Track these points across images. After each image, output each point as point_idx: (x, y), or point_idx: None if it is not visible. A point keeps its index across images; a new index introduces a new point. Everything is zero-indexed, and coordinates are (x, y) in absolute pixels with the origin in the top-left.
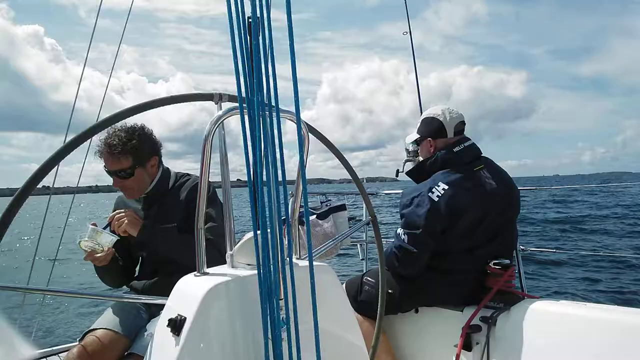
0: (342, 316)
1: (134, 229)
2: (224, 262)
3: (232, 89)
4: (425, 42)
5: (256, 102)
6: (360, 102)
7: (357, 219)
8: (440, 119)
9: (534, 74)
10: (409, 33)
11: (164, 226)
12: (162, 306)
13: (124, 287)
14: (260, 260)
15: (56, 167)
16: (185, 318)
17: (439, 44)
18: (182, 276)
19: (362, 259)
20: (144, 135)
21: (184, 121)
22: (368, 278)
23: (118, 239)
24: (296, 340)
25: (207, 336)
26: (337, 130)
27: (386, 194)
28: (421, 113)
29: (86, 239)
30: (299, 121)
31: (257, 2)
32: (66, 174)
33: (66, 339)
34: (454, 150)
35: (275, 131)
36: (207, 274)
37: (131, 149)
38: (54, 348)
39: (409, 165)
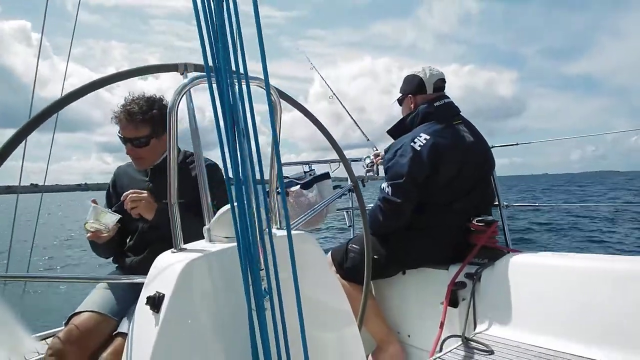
0: (326, 283)
1: (149, 213)
2: None
3: None
4: (418, 40)
5: (223, 69)
6: (352, 100)
7: (340, 186)
8: (421, 76)
9: (524, 73)
10: (334, 97)
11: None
12: None
13: (110, 267)
14: (239, 232)
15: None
16: (163, 295)
17: (431, 42)
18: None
19: (349, 226)
20: (163, 107)
21: (160, 89)
22: (353, 245)
23: (120, 217)
24: (280, 309)
25: (187, 312)
26: (329, 128)
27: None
28: None
29: (91, 220)
30: (267, 86)
31: None
32: (54, 172)
33: (50, 324)
34: (435, 104)
35: (246, 97)
36: (184, 249)
37: (150, 119)
38: (40, 334)
39: (371, 175)
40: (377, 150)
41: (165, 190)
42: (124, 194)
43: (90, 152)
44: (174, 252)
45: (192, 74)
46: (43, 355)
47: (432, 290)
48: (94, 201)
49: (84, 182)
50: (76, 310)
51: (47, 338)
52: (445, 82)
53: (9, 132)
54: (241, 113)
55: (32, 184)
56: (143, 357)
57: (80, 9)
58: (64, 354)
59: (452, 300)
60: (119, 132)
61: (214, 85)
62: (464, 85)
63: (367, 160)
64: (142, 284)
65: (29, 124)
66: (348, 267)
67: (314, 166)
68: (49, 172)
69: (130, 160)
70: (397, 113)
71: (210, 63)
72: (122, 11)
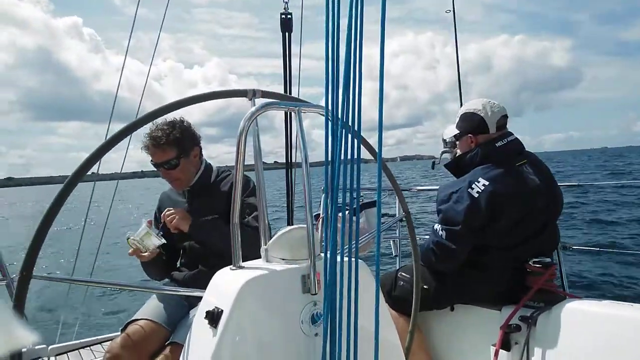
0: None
1: (185, 224)
2: None
3: (265, 73)
4: (464, 12)
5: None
6: (394, 78)
7: (388, 215)
8: (482, 114)
9: (578, 41)
10: (452, 11)
11: (211, 217)
12: (200, 297)
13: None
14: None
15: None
16: (222, 310)
17: (479, 13)
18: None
19: (394, 255)
20: (184, 127)
21: (220, 106)
22: (402, 273)
23: (164, 243)
24: (339, 336)
25: (243, 328)
26: (372, 109)
27: (419, 190)
28: (460, 88)
29: (134, 237)
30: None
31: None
32: (111, 160)
33: (109, 329)
34: (496, 145)
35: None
36: (242, 267)
37: (174, 140)
38: (97, 337)
39: (447, 157)
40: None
41: (202, 209)
42: (162, 215)
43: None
44: (233, 269)
45: (259, 100)
46: (101, 358)
47: (483, 330)
48: (150, 222)
49: (140, 170)
50: (133, 318)
51: (105, 342)
52: (507, 118)
53: (67, 124)
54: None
55: (93, 173)
56: None
57: (128, 1)
58: (120, 358)
59: (505, 343)
60: (151, 160)
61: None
62: (514, 57)
63: (448, 138)
64: (194, 297)
65: (110, 140)
66: (396, 296)
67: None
68: (109, 160)
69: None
70: (442, 91)
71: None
72: (169, 2)
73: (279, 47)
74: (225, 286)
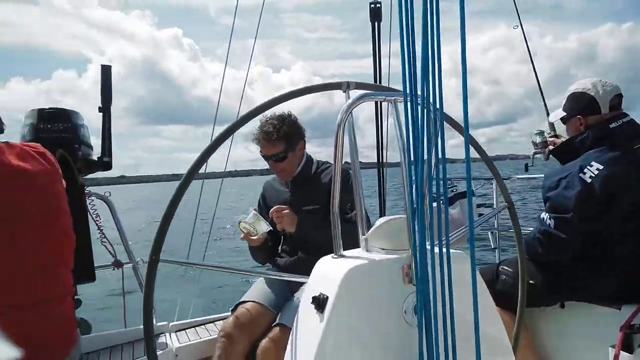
0: (482, 307)
1: (291, 227)
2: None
3: (348, 74)
4: (564, 0)
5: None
6: (485, 73)
7: (486, 205)
8: (592, 94)
9: None
10: (519, 26)
11: (312, 207)
12: (302, 283)
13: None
14: (414, 243)
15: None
16: (327, 297)
17: (579, 1)
18: (320, 256)
19: (494, 248)
20: (292, 122)
21: (306, 106)
22: (505, 267)
23: (271, 229)
24: (444, 325)
25: (348, 314)
26: (460, 106)
27: (519, 178)
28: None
29: (246, 221)
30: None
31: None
32: (210, 160)
33: (218, 310)
34: (610, 126)
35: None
36: (343, 256)
37: (284, 135)
38: (209, 317)
39: (540, 158)
40: (551, 133)
41: (303, 200)
42: (270, 211)
43: (237, 142)
44: (334, 257)
45: (354, 92)
46: (216, 336)
47: (599, 329)
48: (256, 210)
49: (234, 169)
50: (242, 300)
51: (218, 321)
52: (622, 97)
53: (170, 127)
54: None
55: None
56: (309, 350)
57: (222, 13)
58: (232, 337)
59: (626, 345)
60: (260, 151)
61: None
62: (622, 47)
63: (538, 139)
64: (294, 282)
65: (218, 138)
66: (498, 290)
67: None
68: (207, 160)
69: (274, 174)
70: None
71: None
72: (257, 9)
73: (360, 47)
74: (329, 273)
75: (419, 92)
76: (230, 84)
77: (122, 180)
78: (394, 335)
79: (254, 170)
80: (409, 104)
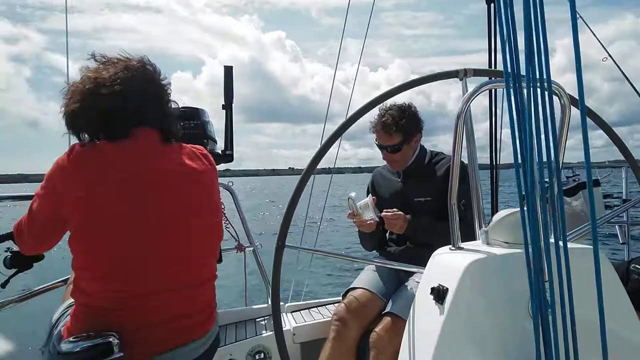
0: (617, 308)
1: (399, 231)
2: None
3: (449, 69)
4: None
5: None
6: (606, 69)
7: (613, 196)
8: None
9: None
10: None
11: (424, 199)
12: (411, 272)
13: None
14: (529, 239)
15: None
16: (447, 288)
17: None
18: (430, 247)
19: (622, 243)
20: (412, 114)
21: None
22: (637, 265)
23: (377, 220)
24: (564, 325)
25: (470, 307)
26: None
27: None
28: None
29: (355, 203)
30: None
31: None
32: (307, 157)
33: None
34: None
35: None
36: (462, 248)
37: (402, 127)
38: (321, 300)
39: None
40: None
41: (415, 190)
42: (383, 214)
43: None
44: (452, 249)
45: (470, 79)
46: (328, 318)
47: None
48: (374, 200)
49: (327, 167)
50: (352, 286)
51: (329, 305)
52: None
53: (271, 125)
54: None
55: (290, 168)
56: (427, 341)
57: (323, 13)
58: (345, 321)
59: None
60: (375, 140)
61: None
62: None
63: None
64: (405, 271)
65: (337, 131)
66: (628, 291)
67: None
68: (303, 157)
69: (385, 163)
70: None
71: (490, 67)
72: (357, 9)
73: (464, 43)
74: (448, 265)
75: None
76: (328, 84)
77: (226, 173)
78: (515, 332)
79: (347, 168)
80: (531, 89)
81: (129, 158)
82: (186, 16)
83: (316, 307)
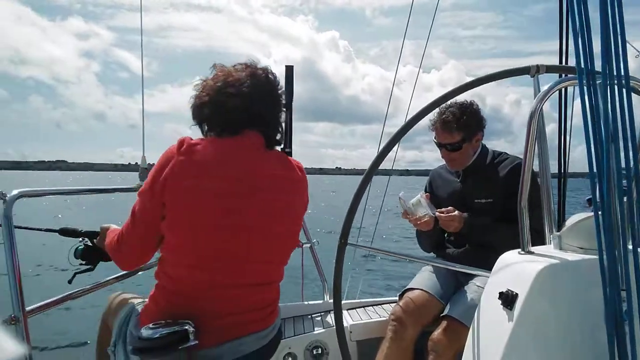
0: None
1: (456, 230)
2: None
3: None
4: None
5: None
6: None
7: None
8: None
9: None
10: None
11: (485, 201)
12: (471, 275)
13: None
14: (603, 245)
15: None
16: (516, 294)
17: None
18: (491, 250)
19: None
20: (473, 112)
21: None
22: None
23: (433, 216)
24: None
25: (543, 314)
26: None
27: None
28: None
29: (406, 202)
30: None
31: None
32: (355, 158)
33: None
34: None
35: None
36: (532, 252)
37: (463, 125)
38: (377, 299)
39: None
40: None
41: (476, 190)
42: (437, 214)
43: (380, 142)
44: (522, 253)
45: (543, 76)
46: (384, 318)
47: None
48: (427, 196)
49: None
50: (409, 286)
51: (384, 304)
52: None
53: (320, 124)
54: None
55: (337, 167)
56: (493, 348)
57: (377, 12)
58: (403, 321)
59: None
60: (434, 138)
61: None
62: None
63: None
64: (465, 274)
65: (398, 133)
66: None
67: None
68: (350, 157)
69: (443, 163)
70: None
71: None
72: (413, 9)
73: (524, 45)
74: (518, 270)
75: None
76: (379, 84)
77: None
78: (588, 344)
79: (394, 170)
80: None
81: (233, 156)
82: (244, 16)
83: (371, 306)
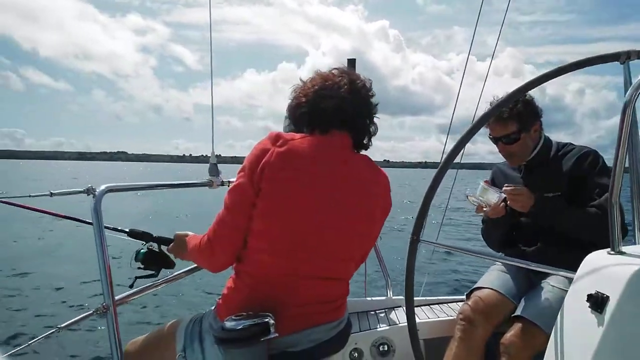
0: None
1: (525, 208)
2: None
3: (569, 60)
4: None
5: None
6: None
7: None
8: None
9: None
10: None
11: (552, 195)
12: (544, 275)
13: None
14: None
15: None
16: (607, 296)
17: None
18: (566, 247)
19: None
20: (527, 101)
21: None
22: None
23: (503, 196)
24: None
25: (634, 322)
26: None
27: None
28: None
29: (472, 194)
30: None
31: None
32: (402, 150)
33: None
34: None
35: None
36: (623, 253)
37: (517, 114)
38: (441, 297)
39: None
40: None
41: (539, 186)
42: (504, 188)
43: (430, 133)
44: (612, 253)
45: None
46: (451, 317)
47: None
48: (487, 182)
49: (424, 161)
50: (478, 285)
51: (450, 302)
52: None
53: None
54: None
55: (385, 160)
56: (580, 353)
57: (430, 1)
58: (472, 321)
59: None
60: (489, 135)
61: None
62: None
63: None
64: (538, 273)
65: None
66: None
67: None
68: (399, 149)
69: (504, 160)
70: None
71: None
72: None
73: (585, 30)
74: (608, 271)
75: None
76: (430, 73)
77: None
78: None
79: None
80: None
81: (325, 154)
82: (294, 8)
83: (437, 304)
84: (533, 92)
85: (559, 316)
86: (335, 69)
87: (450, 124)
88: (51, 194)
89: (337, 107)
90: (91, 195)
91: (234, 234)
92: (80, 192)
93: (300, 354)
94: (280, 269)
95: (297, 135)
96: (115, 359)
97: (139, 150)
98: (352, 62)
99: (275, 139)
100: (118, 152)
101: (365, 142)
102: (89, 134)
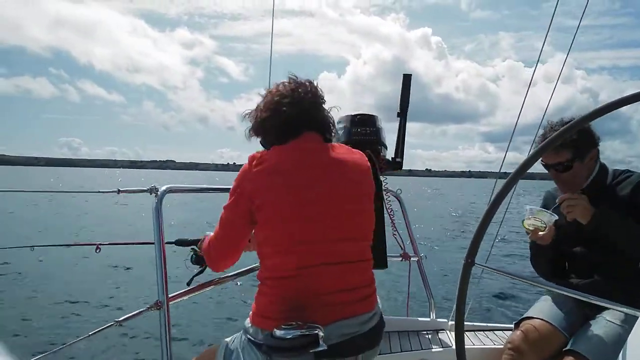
0: None
1: (584, 217)
2: None
3: (623, 66)
4: None
5: None
6: None
7: None
8: None
9: None
10: None
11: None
12: (600, 309)
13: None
14: None
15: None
16: None
17: None
18: (622, 280)
19: None
20: (583, 128)
21: (559, 106)
22: None
23: (557, 219)
24: None
25: None
26: None
27: None
28: None
29: (529, 216)
30: None
31: None
32: (445, 159)
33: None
34: None
35: None
36: None
37: (571, 142)
38: (488, 324)
39: None
40: None
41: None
42: (560, 197)
43: (474, 142)
44: None
45: None
46: (497, 345)
47: None
48: (532, 208)
49: (467, 170)
50: (528, 314)
51: (496, 330)
52: None
53: (410, 125)
54: None
55: (426, 169)
56: None
57: (473, 5)
58: (522, 352)
59: None
60: (541, 161)
61: None
62: None
63: None
64: (592, 306)
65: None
66: None
67: None
68: (441, 158)
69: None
70: None
71: None
72: (515, 1)
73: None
74: None
75: None
76: (473, 80)
77: None
78: None
79: (490, 172)
80: None
81: (299, 153)
82: (335, 18)
83: (482, 330)
84: (586, 100)
85: (620, 354)
86: (281, 82)
87: (513, 133)
88: (118, 191)
89: (298, 111)
90: (153, 195)
91: (225, 245)
92: (144, 190)
93: (329, 348)
94: (291, 264)
95: (268, 151)
96: (165, 351)
97: (186, 159)
98: (407, 78)
99: (250, 161)
100: (167, 160)
101: (328, 135)
102: (139, 143)
